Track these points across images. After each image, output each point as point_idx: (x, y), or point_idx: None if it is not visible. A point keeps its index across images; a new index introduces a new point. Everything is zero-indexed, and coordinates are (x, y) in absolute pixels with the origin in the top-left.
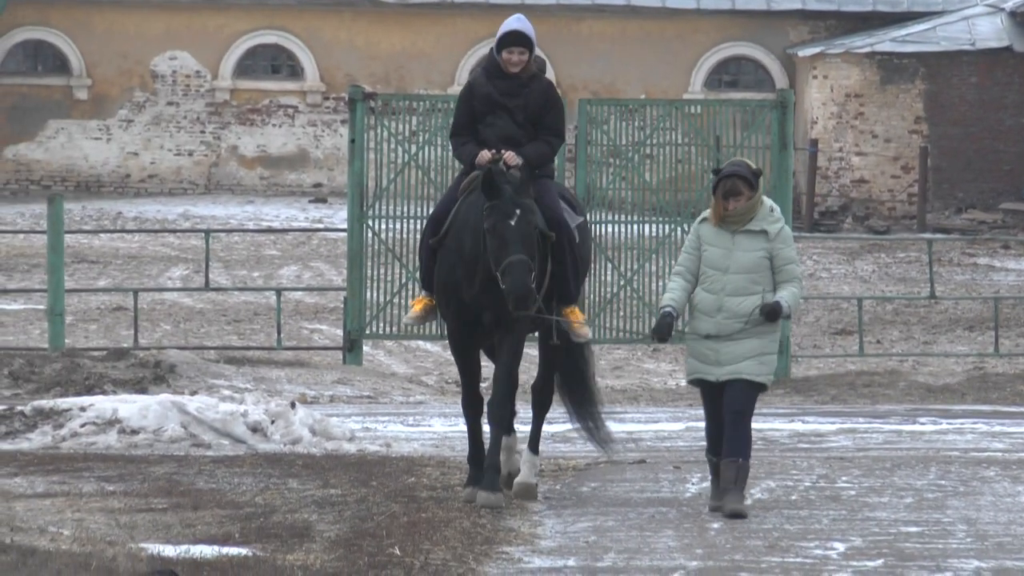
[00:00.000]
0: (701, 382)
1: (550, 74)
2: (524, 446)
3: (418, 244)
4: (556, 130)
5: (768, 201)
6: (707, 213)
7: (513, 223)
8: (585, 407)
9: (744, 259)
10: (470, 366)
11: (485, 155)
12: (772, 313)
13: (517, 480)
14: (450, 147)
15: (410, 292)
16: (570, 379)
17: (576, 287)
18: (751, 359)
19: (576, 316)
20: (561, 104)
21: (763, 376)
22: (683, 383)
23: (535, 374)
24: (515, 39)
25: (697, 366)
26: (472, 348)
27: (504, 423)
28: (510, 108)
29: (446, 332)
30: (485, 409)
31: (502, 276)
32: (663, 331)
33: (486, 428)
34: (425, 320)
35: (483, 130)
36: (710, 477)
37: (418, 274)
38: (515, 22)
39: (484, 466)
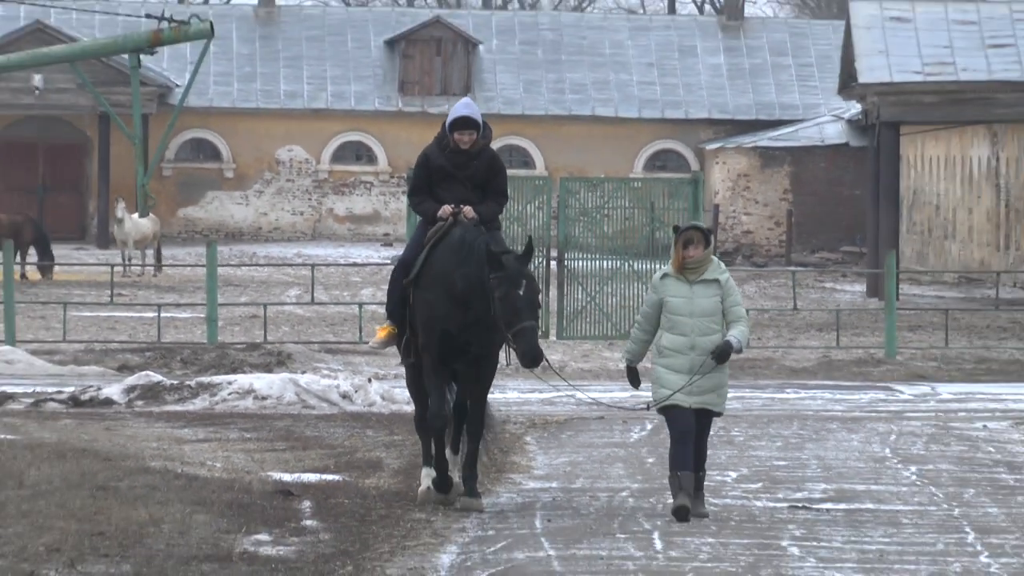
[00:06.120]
0: (673, 408)
1: (539, 160)
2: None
3: (390, 281)
4: (502, 192)
5: (715, 258)
6: (667, 269)
7: (521, 292)
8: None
9: (704, 304)
10: (443, 388)
11: (447, 209)
12: (723, 355)
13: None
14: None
15: None
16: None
17: None
18: (713, 393)
19: None
20: (504, 170)
21: (720, 407)
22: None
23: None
24: (464, 124)
25: (669, 394)
26: (448, 373)
27: (479, 437)
28: (461, 178)
29: (412, 371)
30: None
31: (514, 338)
32: (633, 382)
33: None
34: (388, 345)
35: (441, 193)
36: (672, 492)
37: (385, 307)
38: (464, 108)
39: (437, 471)
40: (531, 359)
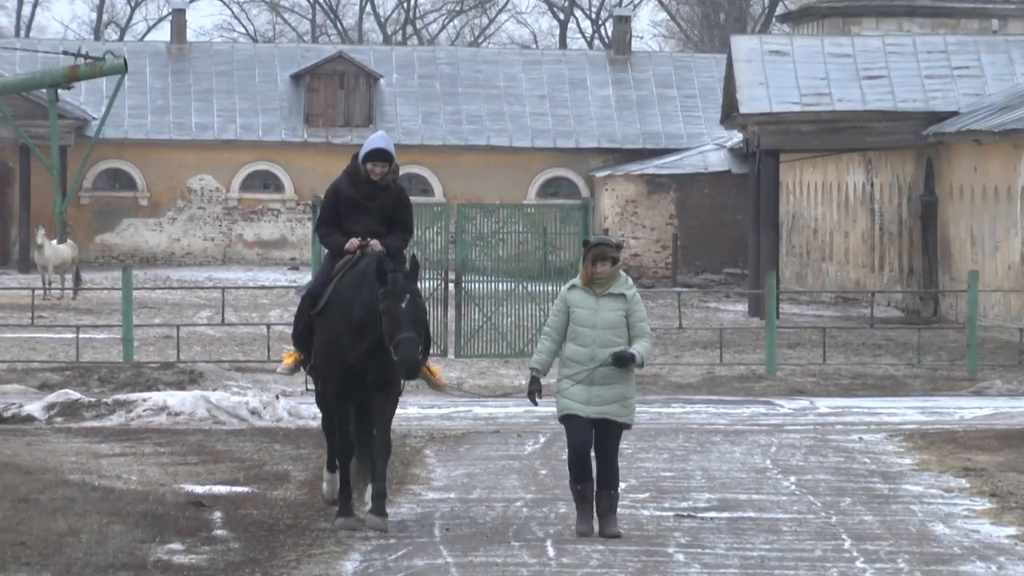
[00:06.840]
0: (572, 416)
1: (437, 188)
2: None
3: (297, 310)
4: (407, 227)
5: (623, 273)
6: (575, 281)
7: (404, 305)
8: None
9: (608, 317)
10: (345, 416)
11: (354, 242)
12: (621, 360)
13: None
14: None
15: None
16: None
17: (428, 348)
18: (616, 403)
19: (436, 371)
20: (411, 206)
21: (625, 417)
22: (523, 382)
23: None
24: (379, 155)
25: (569, 404)
26: (349, 402)
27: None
28: (370, 210)
29: (322, 388)
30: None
31: (395, 349)
32: (533, 392)
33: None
34: (295, 371)
35: (349, 225)
36: (576, 505)
37: (292, 334)
38: (379, 140)
39: (341, 496)
40: (407, 369)
